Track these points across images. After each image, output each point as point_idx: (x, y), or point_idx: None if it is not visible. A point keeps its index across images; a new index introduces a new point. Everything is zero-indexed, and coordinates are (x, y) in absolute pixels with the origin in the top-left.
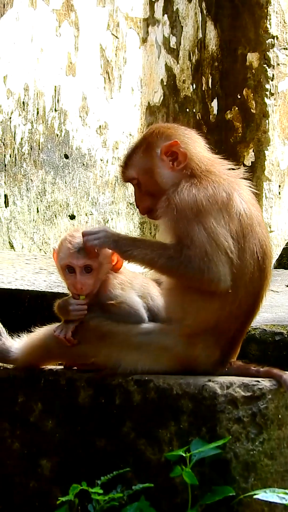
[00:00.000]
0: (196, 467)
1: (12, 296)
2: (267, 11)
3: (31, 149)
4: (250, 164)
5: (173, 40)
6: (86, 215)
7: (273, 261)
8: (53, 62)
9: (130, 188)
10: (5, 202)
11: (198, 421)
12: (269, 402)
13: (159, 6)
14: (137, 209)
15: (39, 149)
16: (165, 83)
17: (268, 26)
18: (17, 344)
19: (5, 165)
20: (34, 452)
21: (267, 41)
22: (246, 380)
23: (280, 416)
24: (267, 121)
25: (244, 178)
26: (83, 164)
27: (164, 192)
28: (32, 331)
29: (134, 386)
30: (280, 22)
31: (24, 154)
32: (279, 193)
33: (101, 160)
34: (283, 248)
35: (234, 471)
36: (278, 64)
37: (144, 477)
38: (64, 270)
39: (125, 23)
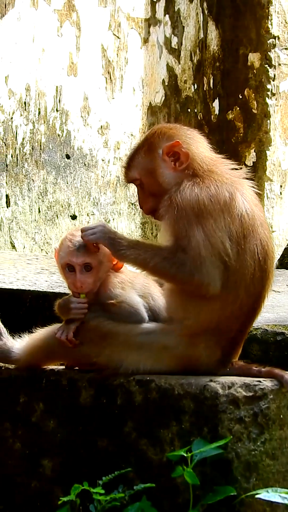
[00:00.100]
0: (197, 467)
1: (13, 296)
2: (269, 11)
3: (32, 149)
4: (251, 164)
5: (174, 40)
6: (87, 215)
7: (275, 261)
8: (54, 62)
9: (132, 188)
10: (6, 202)
11: (199, 421)
12: (271, 402)
13: (160, 6)
14: (139, 209)
15: (40, 149)
16: (166, 83)
17: (270, 26)
18: (19, 344)
19: (6, 165)
20: (36, 452)
21: (268, 41)
22: (248, 380)
23: (281, 416)
24: (268, 121)
25: (247, 178)
26: (85, 164)
27: (167, 192)
28: (34, 332)
29: (135, 386)
30: (282, 22)
31: (25, 154)
32: (281, 193)
33: (103, 160)
34: (285, 248)
35: (235, 471)
36: (280, 64)
37: (146, 477)
38: (64, 268)
39: (127, 23)
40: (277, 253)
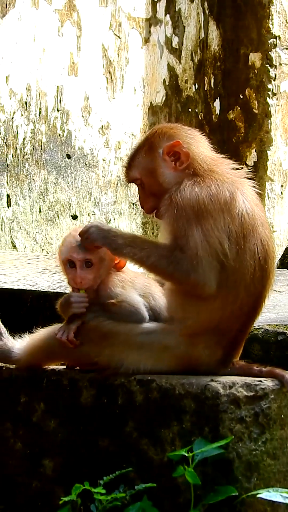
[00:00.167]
0: (198, 467)
1: (14, 296)
2: (270, 11)
3: (33, 149)
4: (252, 164)
5: (175, 40)
6: (88, 215)
7: (276, 261)
8: (55, 62)
9: (133, 188)
10: (7, 202)
11: (200, 421)
12: (272, 402)
13: (161, 6)
14: (140, 209)
15: (41, 149)
16: (167, 83)
17: (271, 26)
18: (19, 344)
19: (7, 165)
20: (37, 452)
21: (269, 41)
22: (249, 380)
23: (282, 416)
24: (269, 121)
25: (248, 178)
26: (86, 164)
27: (167, 191)
28: (34, 332)
29: (136, 386)
30: (283, 22)
31: (26, 154)
32: (282, 193)
33: (104, 160)
34: (286, 248)
35: (236, 471)
36: (281, 64)
37: (147, 477)
38: (65, 264)
39: (128, 23)
40: (278, 253)
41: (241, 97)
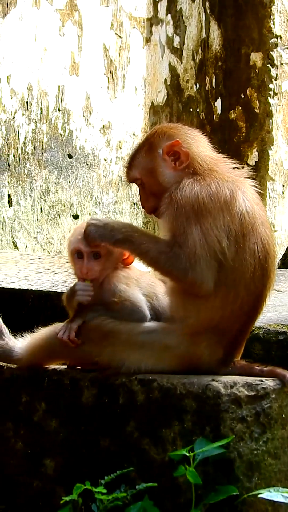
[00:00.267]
0: (199, 467)
1: (15, 295)
2: (271, 10)
3: (34, 148)
4: (253, 164)
5: (176, 40)
6: (89, 214)
7: (277, 260)
8: (56, 62)
9: (134, 187)
10: (8, 201)
11: (201, 420)
12: (273, 401)
13: (162, 6)
14: (141, 209)
15: (42, 148)
16: (168, 83)
17: (272, 25)
18: (21, 344)
19: (8, 165)
20: (38, 452)
21: (270, 41)
22: (250, 379)
23: (283, 415)
24: (270, 120)
25: (249, 178)
26: (87, 164)
27: (167, 191)
28: (36, 331)
29: (137, 385)
30: (284, 22)
31: (27, 153)
32: (283, 192)
33: (105, 159)
34: (287, 248)
35: (237, 470)
36: (282, 64)
37: (148, 477)
38: (74, 255)
39: (129, 22)
40: (279, 253)
41: (242, 96)
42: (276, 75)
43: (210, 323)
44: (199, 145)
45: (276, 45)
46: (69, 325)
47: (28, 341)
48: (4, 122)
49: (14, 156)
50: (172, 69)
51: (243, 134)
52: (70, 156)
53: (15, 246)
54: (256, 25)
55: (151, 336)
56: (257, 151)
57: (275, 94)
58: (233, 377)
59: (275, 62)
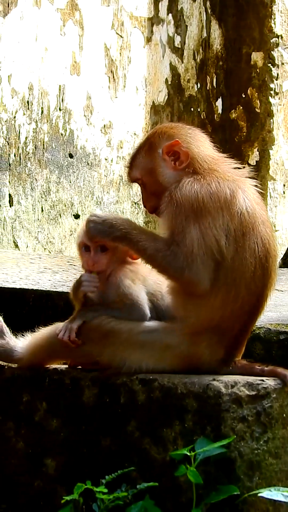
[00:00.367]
0: (200, 466)
1: (16, 295)
2: (272, 10)
3: (35, 148)
4: (254, 164)
5: (177, 40)
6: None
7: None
8: (57, 61)
9: (135, 187)
10: (9, 201)
11: (202, 420)
12: (274, 401)
13: (163, 5)
14: (142, 208)
15: (43, 148)
16: (169, 82)
17: (273, 25)
18: (21, 343)
19: (9, 165)
20: (39, 452)
21: (271, 40)
22: (251, 379)
23: (284, 415)
24: (271, 120)
25: (250, 177)
26: (88, 164)
27: (168, 190)
28: (36, 331)
29: (138, 385)
30: (285, 21)
31: (28, 153)
32: (284, 192)
33: (106, 159)
34: None
35: (238, 470)
36: (283, 63)
37: (149, 476)
38: (81, 248)
39: (130, 22)
40: (280, 252)
41: (243, 96)
42: (277, 74)
43: (210, 322)
44: (200, 144)
45: (277, 45)
46: (69, 325)
47: (29, 340)
48: (5, 121)
49: (15, 155)
50: (173, 68)
51: (244, 133)
52: (71, 156)
53: (16, 246)
54: (257, 25)
55: (152, 335)
56: (258, 150)
57: (276, 93)
58: (234, 377)
59: (276, 61)
